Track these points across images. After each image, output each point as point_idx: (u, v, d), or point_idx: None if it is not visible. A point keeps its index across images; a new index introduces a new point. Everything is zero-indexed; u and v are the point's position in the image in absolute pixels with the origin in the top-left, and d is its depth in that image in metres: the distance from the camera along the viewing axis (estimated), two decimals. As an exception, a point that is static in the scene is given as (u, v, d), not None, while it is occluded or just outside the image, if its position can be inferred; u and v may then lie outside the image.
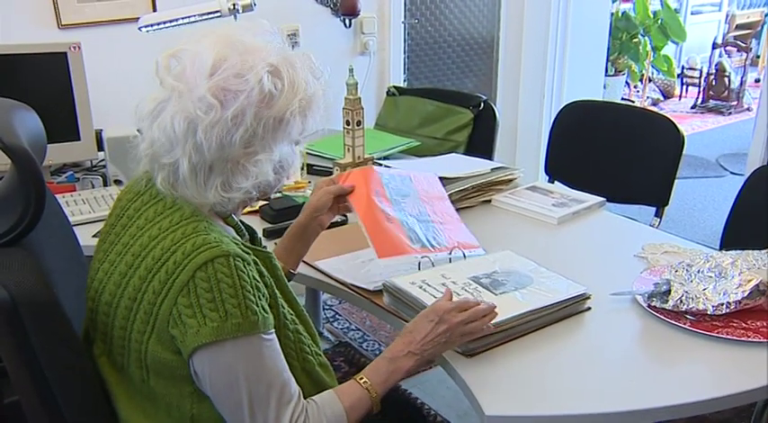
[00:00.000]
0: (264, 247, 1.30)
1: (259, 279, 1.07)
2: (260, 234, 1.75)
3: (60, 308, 0.99)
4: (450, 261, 1.54)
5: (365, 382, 1.15)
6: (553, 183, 2.66)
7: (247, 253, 1.07)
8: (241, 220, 1.30)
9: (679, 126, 2.33)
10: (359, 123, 2.10)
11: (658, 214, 2.39)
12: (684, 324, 1.33)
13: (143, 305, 1.03)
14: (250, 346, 1.02)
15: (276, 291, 1.12)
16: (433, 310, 1.22)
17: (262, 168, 1.08)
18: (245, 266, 1.04)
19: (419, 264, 1.50)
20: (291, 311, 1.15)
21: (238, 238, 1.15)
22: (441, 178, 1.93)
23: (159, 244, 1.04)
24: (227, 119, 1.02)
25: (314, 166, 2.25)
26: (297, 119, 1.09)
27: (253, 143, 1.06)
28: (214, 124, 1.02)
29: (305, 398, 1.09)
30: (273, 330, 1.06)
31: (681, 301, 1.34)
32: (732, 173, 4.77)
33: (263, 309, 1.04)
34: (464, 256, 1.55)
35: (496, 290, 1.38)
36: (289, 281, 1.37)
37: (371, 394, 1.14)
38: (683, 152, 2.32)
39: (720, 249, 2.02)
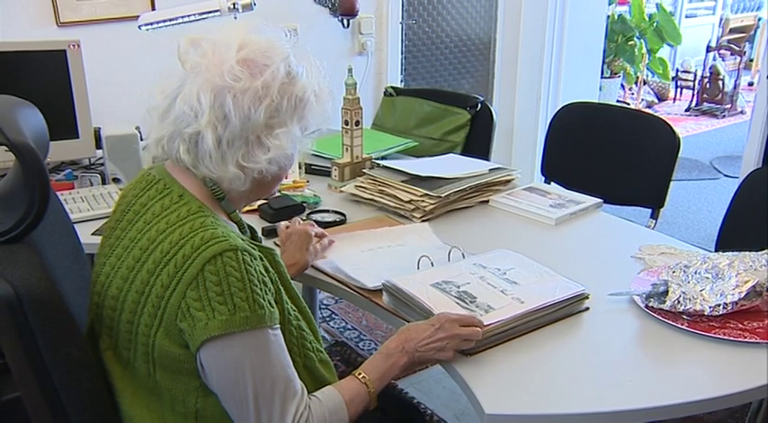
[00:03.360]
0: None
1: (265, 274, 1.08)
2: (260, 233, 1.78)
3: (64, 304, 1.00)
4: (450, 260, 1.55)
5: (364, 377, 1.16)
6: (549, 184, 2.67)
7: (253, 248, 1.08)
8: (241, 217, 1.31)
9: (674, 128, 2.34)
10: (357, 123, 2.11)
11: (654, 216, 2.40)
12: (682, 325, 1.34)
13: (151, 298, 1.03)
14: (257, 340, 1.03)
15: (280, 287, 1.13)
16: (438, 317, 1.24)
17: (281, 142, 1.10)
18: (252, 261, 1.04)
19: (418, 263, 1.51)
20: (295, 308, 1.16)
21: (241, 234, 1.16)
22: (438, 178, 1.94)
23: (167, 238, 1.05)
24: (258, 87, 1.06)
25: (312, 165, 2.25)
26: (313, 103, 1.13)
27: (275, 117, 1.09)
28: (244, 92, 1.06)
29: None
30: (279, 325, 1.07)
31: (678, 302, 1.35)
32: (726, 175, 4.80)
33: (270, 303, 1.05)
34: (463, 255, 1.56)
35: (496, 289, 1.39)
36: None
37: (369, 389, 1.15)
38: (679, 154, 2.34)
39: (716, 251, 2.04)
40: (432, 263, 1.51)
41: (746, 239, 2.00)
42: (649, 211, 2.39)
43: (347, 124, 2.11)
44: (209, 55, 1.08)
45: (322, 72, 1.17)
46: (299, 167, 2.19)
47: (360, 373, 1.17)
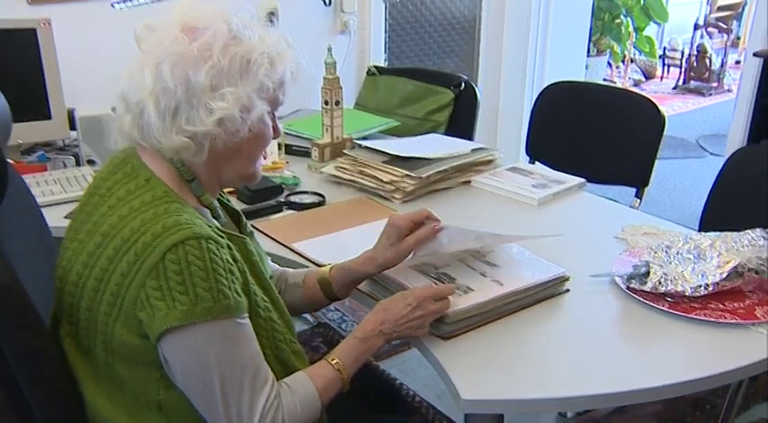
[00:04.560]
0: (249, 231, 1.28)
1: (233, 262, 1.04)
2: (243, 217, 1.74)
3: (20, 291, 0.96)
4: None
5: (337, 362, 1.14)
6: (534, 164, 2.65)
7: (220, 236, 1.05)
8: (226, 203, 1.28)
9: (660, 107, 2.32)
10: (337, 103, 2.07)
11: (639, 195, 2.39)
12: (663, 306, 1.32)
13: (110, 287, 1.00)
14: (222, 331, 1.00)
15: (249, 276, 1.09)
16: (413, 293, 1.21)
17: (226, 104, 1.04)
18: (217, 249, 1.01)
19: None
20: (266, 299, 1.13)
21: (213, 221, 1.12)
22: (419, 159, 1.91)
23: (129, 224, 1.01)
24: (197, 50, 1.03)
25: (292, 146, 2.21)
26: (265, 66, 1.08)
27: (219, 79, 1.05)
28: (184, 56, 1.03)
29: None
30: (247, 315, 1.04)
31: (659, 283, 1.33)
32: (712, 154, 4.79)
33: (237, 292, 1.02)
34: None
35: (476, 271, 1.37)
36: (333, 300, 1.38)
37: (343, 375, 1.13)
38: (664, 133, 2.32)
39: (699, 231, 2.03)
40: (410, 245, 1.48)
41: (730, 218, 1.99)
42: (634, 190, 2.38)
43: (327, 104, 2.07)
44: (157, 31, 1.06)
45: (290, 43, 1.14)
46: (279, 148, 2.15)
47: (333, 359, 1.14)
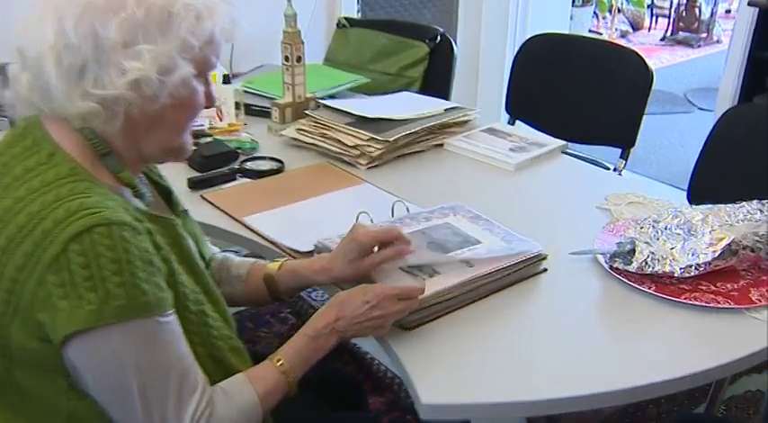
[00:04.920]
0: (182, 209, 1.13)
1: (155, 252, 0.90)
2: (185, 185, 1.59)
3: None
4: (393, 216, 1.38)
5: (282, 364, 1.00)
6: (514, 123, 2.50)
7: (140, 221, 0.90)
8: (156, 179, 1.11)
9: (648, 62, 2.17)
10: (299, 59, 1.90)
11: (624, 155, 2.26)
12: (648, 288, 1.19)
13: (4, 283, 0.85)
14: (140, 331, 0.86)
15: (177, 266, 0.95)
16: (373, 290, 1.06)
17: (142, 64, 0.88)
18: (133, 237, 0.86)
19: (357, 218, 1.34)
20: (197, 289, 0.98)
21: (135, 201, 0.97)
22: (387, 120, 1.75)
23: (26, 208, 0.86)
24: (106, 1, 0.87)
25: (252, 105, 2.04)
26: (190, 20, 0.91)
27: (133, 34, 0.88)
28: (87, 4, 0.87)
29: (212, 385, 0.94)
30: (172, 311, 0.90)
31: (646, 264, 1.20)
32: (700, 108, 4.64)
33: (158, 286, 0.87)
34: (407, 210, 1.39)
35: (443, 251, 1.23)
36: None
37: (288, 378, 1.00)
38: (651, 91, 2.17)
39: (688, 195, 1.90)
40: (371, 219, 1.34)
41: (721, 183, 1.86)
42: (619, 150, 2.25)
43: (287, 60, 1.90)
44: None
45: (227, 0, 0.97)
46: (237, 108, 1.98)
47: (278, 359, 1.01)
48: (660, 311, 1.15)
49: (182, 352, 0.90)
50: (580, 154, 2.17)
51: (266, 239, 1.38)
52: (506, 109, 2.50)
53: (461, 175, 1.69)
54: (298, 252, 1.32)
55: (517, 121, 2.50)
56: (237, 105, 1.98)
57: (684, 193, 1.91)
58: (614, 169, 2.26)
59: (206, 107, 1.00)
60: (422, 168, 1.71)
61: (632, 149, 2.23)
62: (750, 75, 2.96)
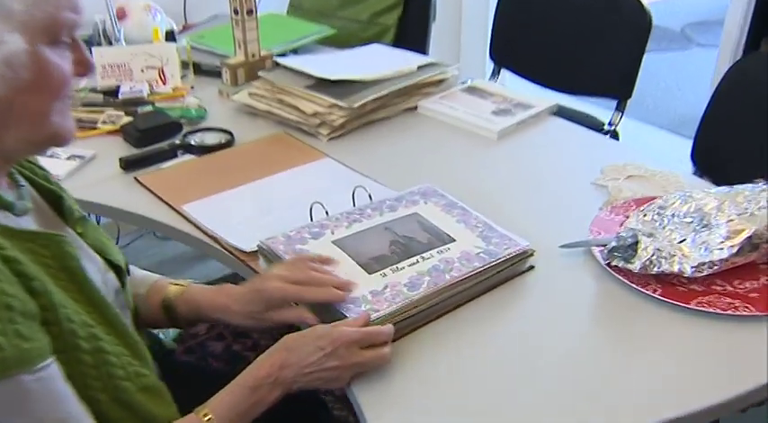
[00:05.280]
0: (78, 216, 0.92)
1: (16, 288, 0.69)
2: (117, 164, 1.37)
3: None
4: (355, 204, 1.18)
5: (210, 419, 0.81)
6: (499, 72, 2.28)
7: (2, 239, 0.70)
8: (40, 183, 0.89)
9: (645, 4, 1.94)
10: (251, 12, 1.65)
11: (620, 107, 2.06)
12: (654, 292, 1.00)
13: None
14: (2, 396, 0.67)
15: (62, 296, 0.75)
16: (330, 334, 0.86)
17: None
18: None
19: (311, 210, 1.14)
20: (91, 322, 0.78)
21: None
22: (352, 82, 1.53)
23: None
24: None
25: (202, 65, 1.80)
26: None
27: None
28: None
29: None
30: (49, 359, 0.70)
31: (650, 262, 1.01)
32: (699, 44, 4.38)
33: (18, 335, 0.67)
34: (370, 197, 1.19)
35: (406, 255, 1.03)
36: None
37: None
38: (650, 36, 1.95)
39: (694, 150, 1.69)
40: (326, 211, 1.14)
41: (728, 144, 1.66)
42: (615, 102, 2.04)
43: (237, 13, 1.65)
44: None
45: None
46: (184, 68, 1.74)
47: (206, 414, 0.82)
48: (666, 321, 0.97)
49: (66, 412, 0.71)
50: (572, 108, 1.97)
51: (207, 234, 1.18)
52: (490, 55, 2.28)
53: (437, 144, 1.48)
54: (242, 251, 1.12)
55: (502, 71, 2.28)
56: (184, 64, 1.75)
57: (683, 141, 1.71)
58: (609, 123, 2.06)
59: (80, 75, 0.78)
60: (391, 138, 1.50)
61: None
62: (762, 6, 2.67)
